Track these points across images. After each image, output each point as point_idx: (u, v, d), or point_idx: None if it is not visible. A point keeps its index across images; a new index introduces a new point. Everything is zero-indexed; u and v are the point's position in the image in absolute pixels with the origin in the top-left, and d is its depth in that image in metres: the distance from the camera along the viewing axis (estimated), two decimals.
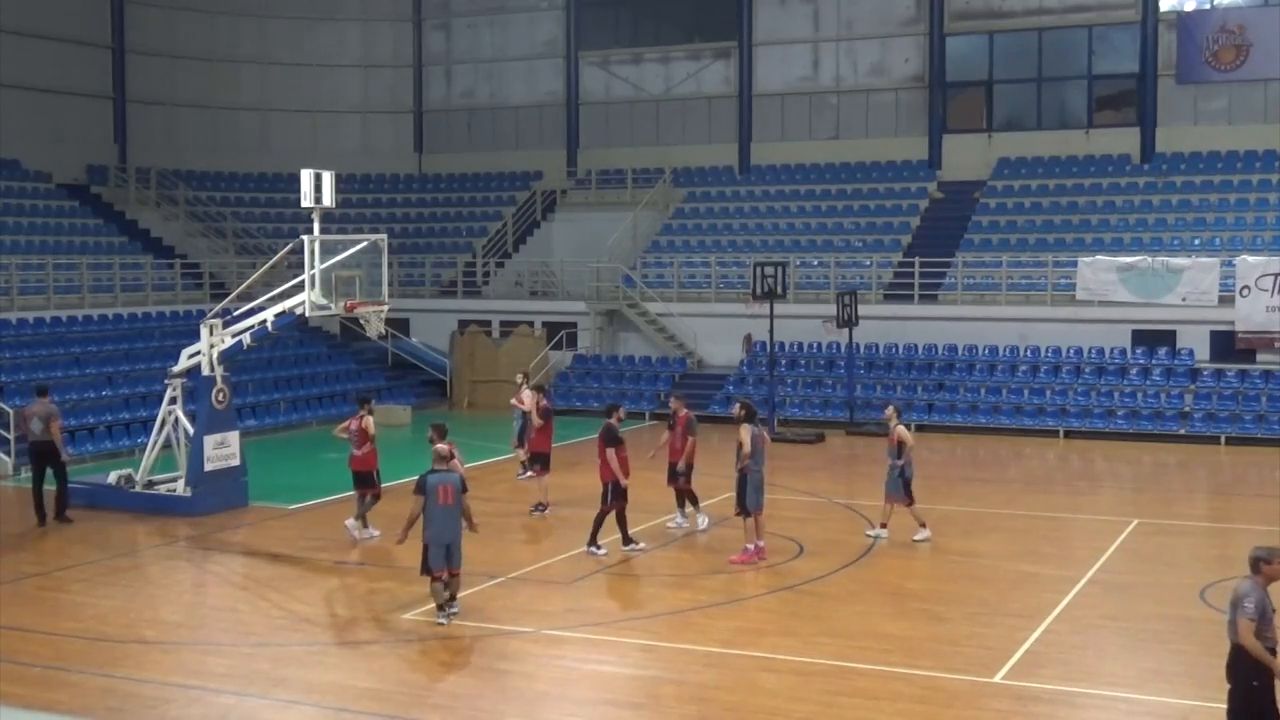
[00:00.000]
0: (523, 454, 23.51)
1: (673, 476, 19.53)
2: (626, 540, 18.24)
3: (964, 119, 39.26)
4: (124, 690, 12.90)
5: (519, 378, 24.55)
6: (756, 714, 12.16)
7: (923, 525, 19.07)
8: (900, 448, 18.81)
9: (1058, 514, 21.72)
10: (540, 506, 20.95)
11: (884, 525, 19.12)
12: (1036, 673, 13.28)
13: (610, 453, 17.88)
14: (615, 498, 18.04)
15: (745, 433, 17.70)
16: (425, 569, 14.83)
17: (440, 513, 14.62)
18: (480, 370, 35.23)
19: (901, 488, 18.89)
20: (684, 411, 19.68)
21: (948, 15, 38.39)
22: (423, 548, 14.84)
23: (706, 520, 19.76)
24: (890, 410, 19.61)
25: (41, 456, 20.92)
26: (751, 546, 17.75)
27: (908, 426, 20.24)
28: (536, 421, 21.39)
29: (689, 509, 19.77)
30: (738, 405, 18.32)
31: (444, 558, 14.72)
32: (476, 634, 14.64)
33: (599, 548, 18.03)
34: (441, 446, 15.57)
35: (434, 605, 14.96)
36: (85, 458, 25.60)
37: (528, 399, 22.93)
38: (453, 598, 15.05)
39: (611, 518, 18.14)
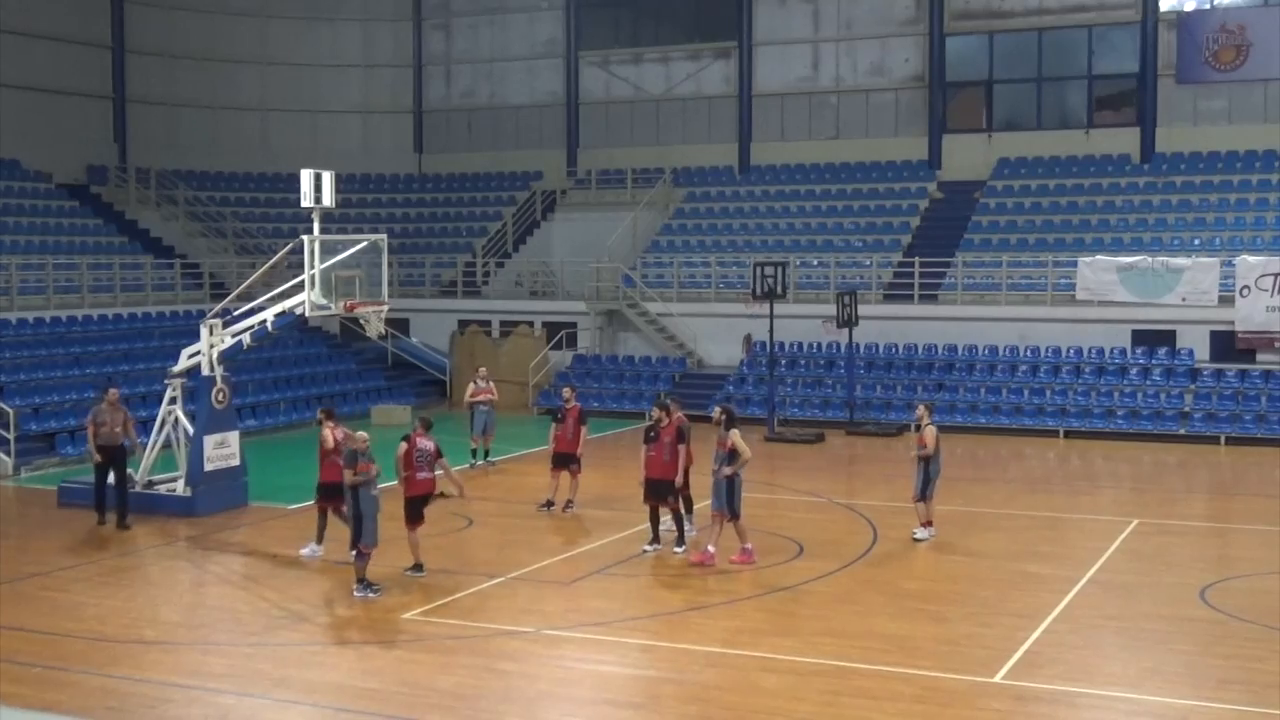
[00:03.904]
0: (487, 444, 25.45)
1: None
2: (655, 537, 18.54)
3: (964, 119, 39.25)
4: (124, 690, 12.90)
5: (483, 370, 26.27)
6: (756, 714, 12.16)
7: (927, 524, 19.11)
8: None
9: (1058, 514, 21.72)
10: (568, 504, 21.16)
11: (927, 524, 19.17)
12: (1036, 673, 13.28)
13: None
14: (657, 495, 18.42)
15: (739, 438, 17.55)
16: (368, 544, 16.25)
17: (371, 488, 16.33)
18: (477, 370, 35.16)
19: (920, 486, 18.96)
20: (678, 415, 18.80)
21: (948, 15, 38.39)
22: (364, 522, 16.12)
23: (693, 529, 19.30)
24: (921, 409, 19.44)
25: (115, 458, 20.50)
26: (749, 545, 17.70)
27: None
28: (575, 427, 21.21)
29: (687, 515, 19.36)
30: (718, 410, 18.12)
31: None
32: (476, 634, 14.65)
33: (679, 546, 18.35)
34: (360, 434, 16.70)
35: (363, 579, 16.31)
36: (86, 458, 25.56)
37: (496, 391, 25.60)
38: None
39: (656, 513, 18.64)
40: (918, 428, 19.39)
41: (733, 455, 17.47)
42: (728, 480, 17.52)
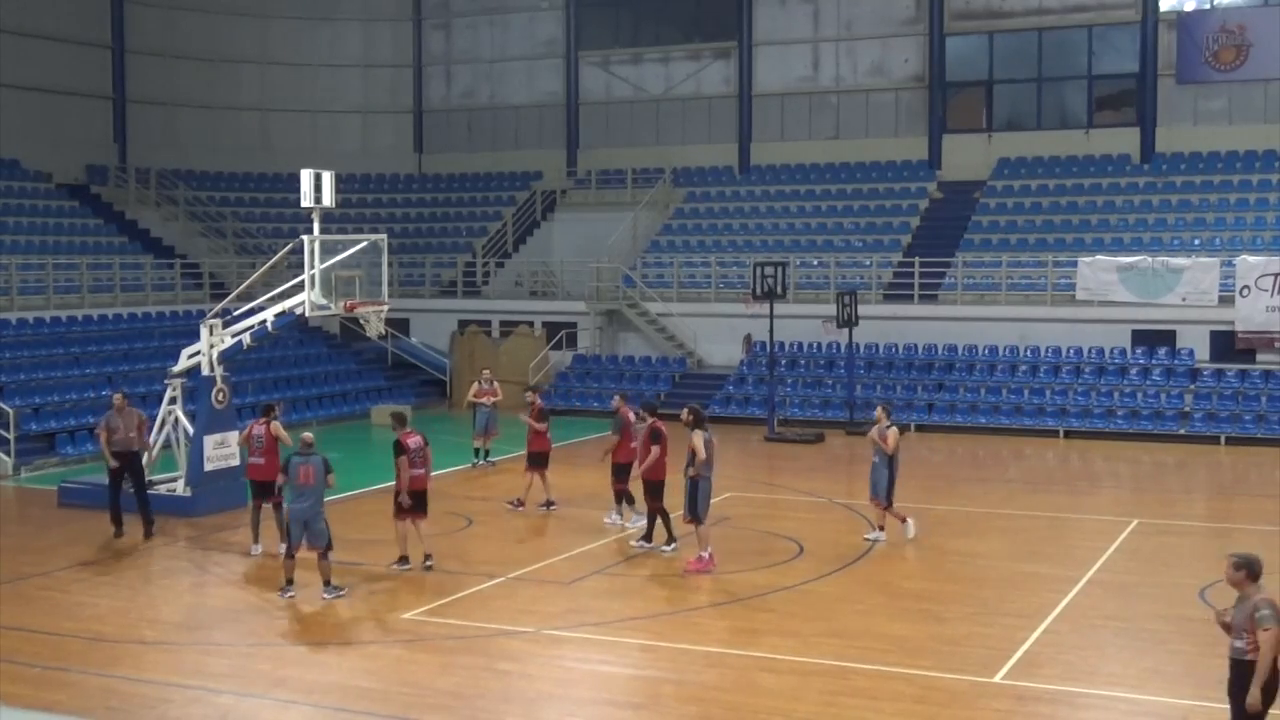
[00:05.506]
0: (487, 444, 25.64)
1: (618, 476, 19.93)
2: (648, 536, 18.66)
3: (964, 119, 39.26)
4: (124, 690, 12.91)
5: (486, 373, 26.35)
6: (756, 714, 12.16)
7: (881, 527, 19.13)
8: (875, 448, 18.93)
9: (1058, 514, 21.72)
10: (548, 503, 21.35)
11: (882, 528, 19.16)
12: (1036, 673, 13.28)
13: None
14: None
15: (699, 439, 17.44)
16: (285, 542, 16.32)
17: (298, 492, 16.06)
18: (480, 371, 35.18)
19: (887, 489, 18.89)
20: (626, 413, 19.94)
21: (948, 15, 38.39)
22: (286, 524, 16.34)
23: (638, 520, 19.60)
24: (879, 410, 19.34)
25: (132, 465, 19.92)
26: (705, 554, 17.40)
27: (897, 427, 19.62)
28: (536, 426, 21.43)
29: (625, 507, 20.12)
30: (686, 410, 18.04)
31: (301, 534, 16.00)
32: (476, 634, 14.65)
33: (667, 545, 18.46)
34: (307, 435, 16.65)
35: (286, 579, 16.15)
36: (85, 458, 25.61)
37: (500, 391, 25.62)
38: (327, 582, 16.08)
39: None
40: (879, 425, 19.22)
41: (693, 457, 17.45)
42: (691, 483, 17.46)
